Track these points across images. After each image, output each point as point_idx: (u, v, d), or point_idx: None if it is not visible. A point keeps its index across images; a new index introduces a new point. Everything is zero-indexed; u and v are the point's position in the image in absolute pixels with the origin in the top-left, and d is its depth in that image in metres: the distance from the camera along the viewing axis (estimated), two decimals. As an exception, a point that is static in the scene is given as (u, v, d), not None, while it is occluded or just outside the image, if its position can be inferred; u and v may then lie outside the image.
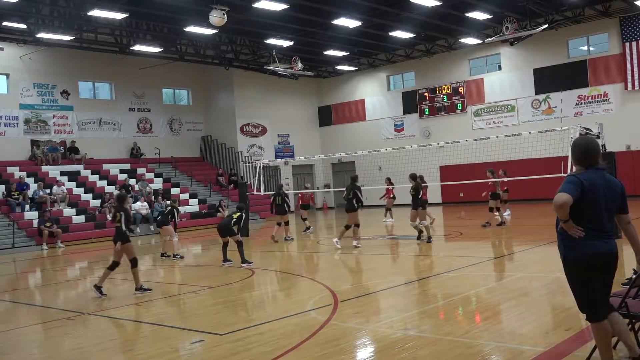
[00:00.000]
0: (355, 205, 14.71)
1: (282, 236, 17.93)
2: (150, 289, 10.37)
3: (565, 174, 14.15)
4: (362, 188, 15.18)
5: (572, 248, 4.49)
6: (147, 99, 30.57)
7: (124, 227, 10.11)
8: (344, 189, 15.72)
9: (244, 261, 12.74)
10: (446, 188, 28.87)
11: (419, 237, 14.91)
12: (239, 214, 13.31)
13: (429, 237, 14.82)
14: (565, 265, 4.61)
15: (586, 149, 4.56)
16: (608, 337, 4.55)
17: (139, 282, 10.31)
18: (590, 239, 4.43)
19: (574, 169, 4.70)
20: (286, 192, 18.98)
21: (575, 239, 4.43)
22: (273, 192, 19.10)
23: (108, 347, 6.85)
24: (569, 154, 14.18)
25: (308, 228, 20.08)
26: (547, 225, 18.31)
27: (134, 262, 10.26)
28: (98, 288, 10.19)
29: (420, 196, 14.72)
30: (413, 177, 15.16)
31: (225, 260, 13.19)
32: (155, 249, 19.21)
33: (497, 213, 18.45)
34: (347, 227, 14.89)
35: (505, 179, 19.52)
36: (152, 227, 24.12)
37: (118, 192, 12.29)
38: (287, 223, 18.15)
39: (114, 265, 10.30)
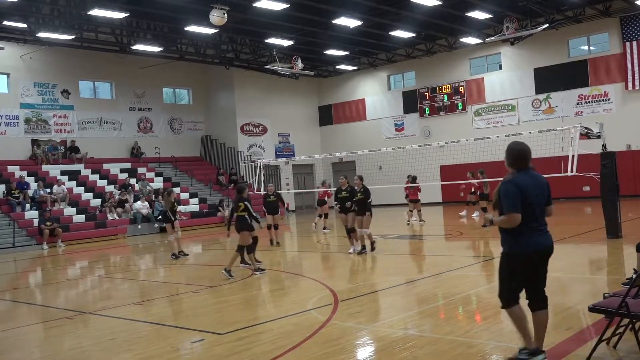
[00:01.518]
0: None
1: (275, 239, 16.53)
2: (265, 270, 11.26)
3: (566, 174, 14.22)
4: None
5: (518, 243, 5.00)
6: (147, 99, 30.56)
7: (247, 216, 11.07)
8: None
9: (242, 261, 12.73)
10: (446, 188, 28.86)
11: (367, 248, 13.34)
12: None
13: (363, 248, 13.22)
14: (507, 257, 5.10)
15: (520, 153, 5.10)
16: (523, 317, 5.09)
17: (255, 264, 11.26)
18: (535, 234, 4.99)
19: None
20: (270, 193, 16.78)
21: (523, 234, 4.96)
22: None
23: (108, 346, 6.85)
24: (570, 155, 14.21)
25: (321, 227, 19.80)
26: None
27: (250, 249, 11.28)
28: (227, 271, 10.88)
29: (370, 201, 13.08)
30: (361, 178, 13.56)
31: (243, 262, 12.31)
32: (156, 247, 19.24)
33: (482, 212, 18.17)
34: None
35: (475, 181, 19.49)
36: (155, 225, 24.18)
37: (240, 184, 12.40)
38: (275, 227, 16.60)
39: (240, 249, 11.30)
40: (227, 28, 23.52)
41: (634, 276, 5.05)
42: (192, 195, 28.08)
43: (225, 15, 19.67)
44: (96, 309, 9.12)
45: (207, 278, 11.58)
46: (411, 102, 32.63)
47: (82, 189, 25.59)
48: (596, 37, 26.91)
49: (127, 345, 6.82)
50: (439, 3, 21.93)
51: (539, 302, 5.13)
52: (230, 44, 28.47)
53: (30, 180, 24.10)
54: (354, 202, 13.30)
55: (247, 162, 31.26)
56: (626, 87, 25.78)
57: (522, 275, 5.07)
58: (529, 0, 22.65)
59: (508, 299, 5.11)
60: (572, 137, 14.39)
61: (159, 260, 15.73)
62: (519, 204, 4.91)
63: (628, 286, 5.10)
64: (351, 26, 24.45)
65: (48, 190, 23.78)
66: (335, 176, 35.34)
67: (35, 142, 26.38)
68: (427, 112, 32.03)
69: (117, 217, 23.95)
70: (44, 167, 25.58)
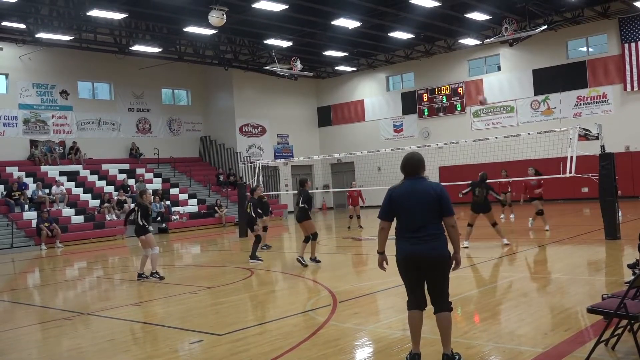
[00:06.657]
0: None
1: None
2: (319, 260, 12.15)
3: (565, 175, 14.24)
4: (361, 189, 15.08)
5: (396, 249, 5.29)
6: (146, 99, 30.56)
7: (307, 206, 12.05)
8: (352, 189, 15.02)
9: (253, 256, 12.80)
10: (445, 188, 28.83)
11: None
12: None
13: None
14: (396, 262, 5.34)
15: (405, 162, 5.30)
16: (415, 324, 5.28)
17: (314, 254, 12.23)
18: (402, 242, 5.22)
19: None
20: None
21: (397, 241, 5.26)
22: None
23: (106, 347, 6.83)
24: (568, 156, 14.22)
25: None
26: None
27: (314, 236, 12.19)
28: (302, 260, 11.84)
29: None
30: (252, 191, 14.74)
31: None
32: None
33: None
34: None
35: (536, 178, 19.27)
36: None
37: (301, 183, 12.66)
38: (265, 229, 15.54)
39: (307, 239, 12.23)
40: (226, 29, 23.51)
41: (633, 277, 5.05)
42: (191, 196, 28.08)
43: (225, 16, 19.66)
44: (94, 310, 9.10)
45: (206, 279, 11.57)
46: (410, 103, 32.65)
47: (80, 189, 25.58)
48: (595, 39, 26.94)
49: (125, 346, 6.81)
50: (438, 4, 21.95)
51: (435, 306, 5.30)
52: (229, 44, 28.47)
53: (29, 180, 24.07)
54: None
55: (246, 163, 31.24)
56: (625, 89, 25.81)
57: (407, 279, 5.31)
58: (527, 1, 22.68)
59: (408, 302, 5.36)
60: (570, 139, 14.40)
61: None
62: (387, 212, 5.25)
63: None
64: (350, 27, 24.46)
65: (47, 190, 23.75)
66: (334, 177, 35.39)
67: (33, 143, 26.36)
68: (426, 113, 32.05)
69: (115, 218, 23.93)
70: (43, 168, 25.55)
